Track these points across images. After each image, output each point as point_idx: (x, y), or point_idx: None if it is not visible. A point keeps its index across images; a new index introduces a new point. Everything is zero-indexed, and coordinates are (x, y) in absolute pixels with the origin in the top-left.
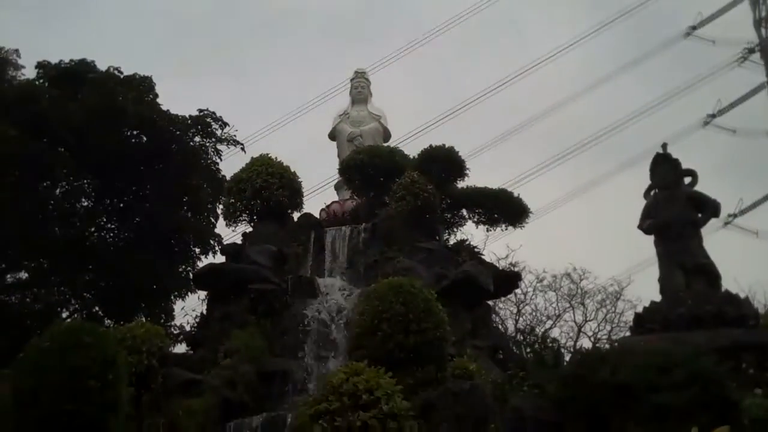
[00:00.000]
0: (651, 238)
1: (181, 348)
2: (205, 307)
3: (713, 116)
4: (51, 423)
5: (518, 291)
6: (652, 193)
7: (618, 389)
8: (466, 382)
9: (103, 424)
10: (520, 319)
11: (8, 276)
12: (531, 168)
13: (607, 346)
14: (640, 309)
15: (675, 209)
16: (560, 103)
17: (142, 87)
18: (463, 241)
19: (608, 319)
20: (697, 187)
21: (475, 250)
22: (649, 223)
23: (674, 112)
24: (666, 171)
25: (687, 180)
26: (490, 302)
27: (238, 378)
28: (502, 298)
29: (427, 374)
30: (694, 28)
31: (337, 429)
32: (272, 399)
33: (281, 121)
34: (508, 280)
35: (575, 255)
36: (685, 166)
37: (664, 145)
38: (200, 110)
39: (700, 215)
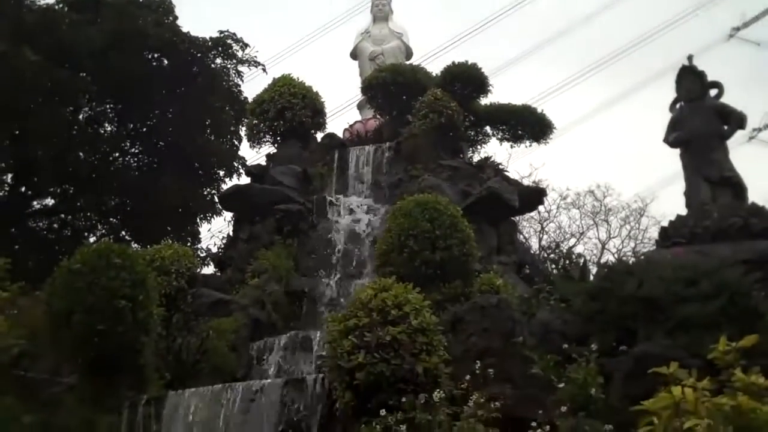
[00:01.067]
0: (676, 152)
1: (208, 269)
2: (231, 228)
3: (737, 29)
4: (84, 343)
5: (542, 209)
6: (677, 106)
7: (645, 302)
8: (494, 296)
9: (135, 343)
10: (544, 237)
11: (35, 202)
12: (555, 84)
13: (633, 260)
14: (664, 224)
15: (701, 121)
16: (584, 17)
17: (161, 9)
18: (487, 159)
19: (632, 235)
20: (723, 100)
21: (500, 167)
22: (674, 136)
23: (699, 26)
24: (691, 83)
25: (713, 92)
26: (515, 219)
27: (266, 297)
28: (526, 217)
29: (454, 290)
30: None
31: (367, 344)
32: (300, 318)
33: (302, 41)
34: (532, 196)
35: (598, 172)
36: (710, 79)
37: (690, 58)
38: (221, 32)
39: (725, 127)
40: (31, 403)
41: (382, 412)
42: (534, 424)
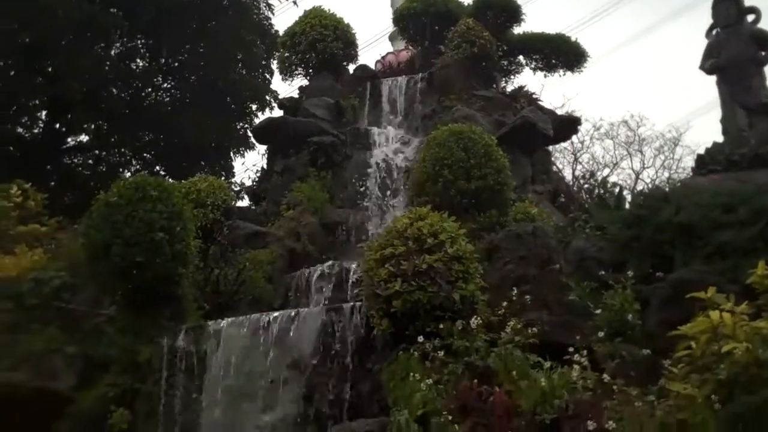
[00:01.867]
0: (712, 80)
1: (243, 203)
2: (265, 161)
3: None
4: (123, 274)
5: (575, 140)
6: (713, 32)
7: (681, 228)
8: (530, 224)
9: (173, 274)
10: (578, 167)
11: (69, 139)
12: (589, 13)
13: (669, 187)
14: (700, 152)
15: (737, 48)
16: None
17: None
18: (520, 88)
19: (666, 165)
20: (760, 26)
21: (533, 96)
22: (710, 62)
23: None
24: (727, 9)
25: (750, 18)
26: (549, 149)
27: (301, 229)
28: (559, 148)
29: (489, 219)
30: None
31: (403, 272)
32: (335, 249)
33: None
34: (567, 125)
35: (632, 102)
36: (747, 3)
37: None
38: None
39: (763, 53)
40: (73, 334)
41: (420, 338)
42: (571, 349)
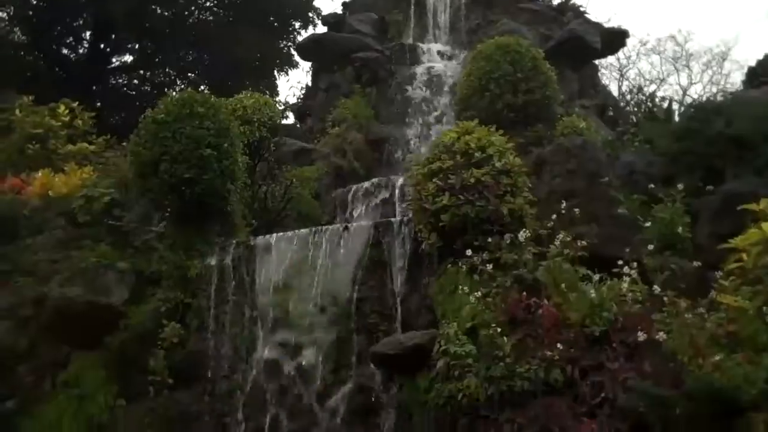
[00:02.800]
0: None
1: (288, 121)
2: (309, 78)
3: None
4: (172, 191)
5: (621, 55)
6: None
7: (733, 141)
8: (578, 137)
9: (222, 190)
10: (624, 84)
11: (114, 59)
12: None
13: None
14: (751, 65)
15: None
16: None
17: None
18: (567, 1)
19: (714, 81)
20: None
21: (580, 9)
22: None
23: None
24: None
25: None
26: (596, 63)
27: (347, 146)
28: (605, 64)
29: (536, 133)
30: None
31: (451, 186)
32: (381, 165)
33: None
34: (614, 38)
35: (679, 17)
36: None
37: None
38: None
39: None
40: (124, 250)
41: (468, 252)
42: (620, 262)
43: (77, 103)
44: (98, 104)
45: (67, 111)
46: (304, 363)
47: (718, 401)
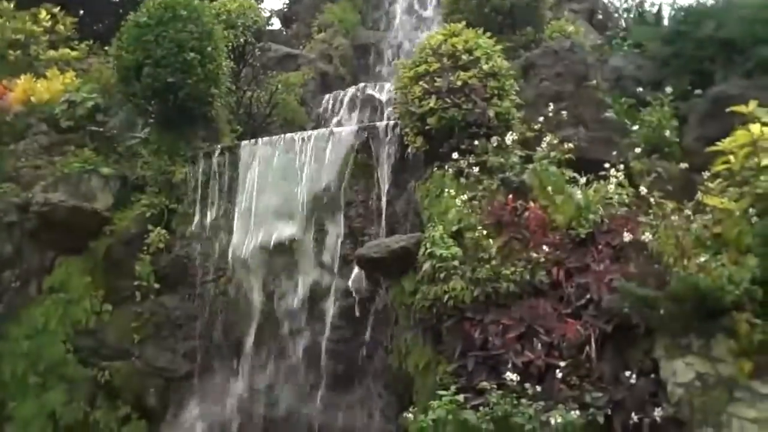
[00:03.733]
0: None
1: (274, 26)
2: None
3: None
4: (155, 95)
5: None
6: None
7: (723, 43)
8: (567, 40)
9: (205, 95)
10: None
11: None
12: None
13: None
14: None
15: None
16: None
17: None
18: None
19: None
20: None
21: None
22: None
23: None
24: None
25: None
26: None
27: (333, 51)
28: None
29: (525, 37)
30: None
31: (438, 89)
32: (368, 71)
33: None
34: None
35: None
36: None
37: None
38: None
39: None
40: (108, 155)
41: (455, 155)
42: (607, 165)
43: (59, 8)
44: (80, 11)
45: (48, 16)
46: (289, 264)
47: (703, 301)
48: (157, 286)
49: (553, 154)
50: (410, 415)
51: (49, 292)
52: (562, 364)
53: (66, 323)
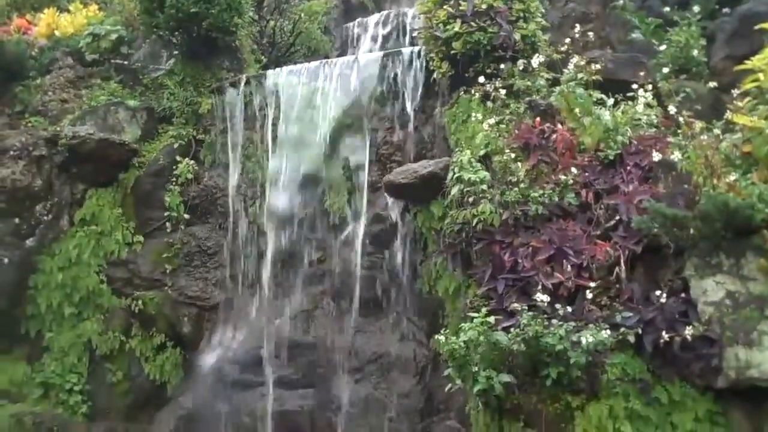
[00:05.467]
0: None
1: None
2: None
3: None
4: (179, 26)
5: None
6: None
7: None
8: None
9: (229, 24)
10: None
11: None
12: None
13: None
14: None
15: None
16: None
17: None
18: None
19: None
20: None
21: None
22: None
23: None
24: None
25: None
26: None
27: None
28: None
29: None
30: None
31: (462, 13)
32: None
33: None
34: None
35: None
36: None
37: None
38: None
39: None
40: (134, 87)
41: (481, 80)
42: (635, 86)
43: None
44: None
45: None
46: (317, 191)
47: (732, 220)
48: (187, 216)
49: (580, 75)
50: (442, 338)
51: (81, 225)
52: (592, 285)
53: (99, 255)
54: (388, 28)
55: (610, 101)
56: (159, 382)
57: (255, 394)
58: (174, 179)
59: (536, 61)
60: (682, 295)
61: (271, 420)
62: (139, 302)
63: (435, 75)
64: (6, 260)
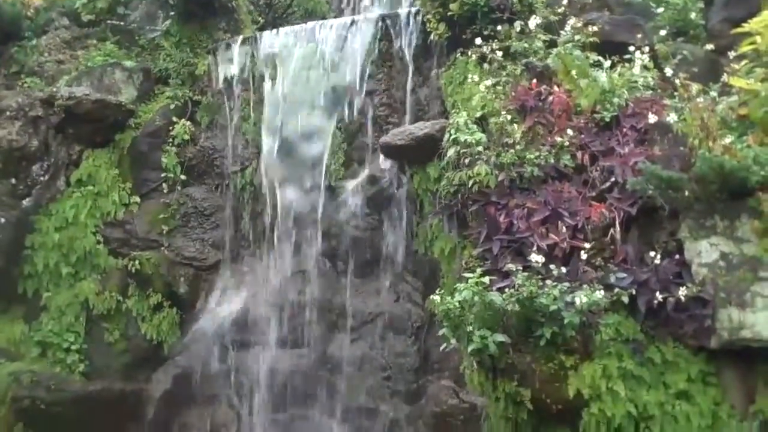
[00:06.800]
0: None
1: None
2: None
3: None
4: None
5: None
6: None
7: None
8: None
9: None
10: None
11: None
12: None
13: None
14: None
15: None
16: None
17: None
18: None
19: None
20: None
21: None
22: None
23: None
24: None
25: None
26: None
27: None
28: None
29: None
30: None
31: None
32: None
33: None
34: None
35: None
36: None
37: None
38: None
39: None
40: (130, 48)
41: (478, 41)
42: (632, 48)
43: None
44: None
45: None
46: (314, 153)
47: (728, 182)
48: (183, 177)
49: (577, 37)
50: (437, 298)
51: (78, 186)
52: (587, 246)
53: (95, 215)
54: None
55: (607, 63)
56: (156, 342)
57: (251, 353)
58: (170, 140)
59: (533, 22)
60: (677, 256)
61: (268, 379)
62: (136, 262)
63: (432, 36)
64: (2, 220)
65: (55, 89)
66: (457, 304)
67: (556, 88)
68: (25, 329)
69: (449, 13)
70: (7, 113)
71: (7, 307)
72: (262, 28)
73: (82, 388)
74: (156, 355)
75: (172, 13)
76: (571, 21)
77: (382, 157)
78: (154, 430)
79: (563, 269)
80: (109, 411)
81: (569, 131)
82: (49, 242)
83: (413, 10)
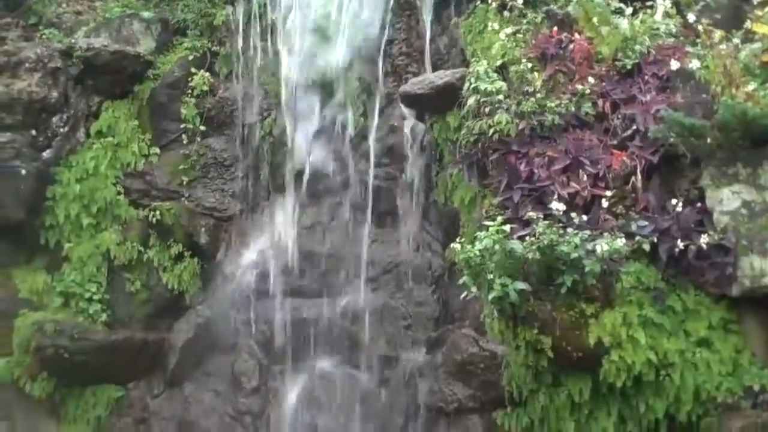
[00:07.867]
0: None
1: None
2: None
3: None
4: None
5: None
6: None
7: None
8: None
9: None
10: None
11: None
12: None
13: None
14: None
15: None
16: None
17: None
18: None
19: None
20: None
21: None
22: None
23: None
24: None
25: None
26: None
27: None
28: None
29: None
30: None
31: None
32: None
33: None
34: None
35: None
36: None
37: None
38: None
39: None
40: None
41: None
42: None
43: None
44: None
45: None
46: (332, 103)
47: (750, 129)
48: (203, 128)
49: None
50: (458, 246)
51: (97, 137)
52: (608, 194)
53: (115, 166)
54: None
55: (629, 10)
56: (177, 292)
57: (272, 303)
58: (189, 91)
59: None
60: (698, 204)
61: (288, 328)
62: (157, 213)
63: None
64: (24, 171)
65: (73, 40)
66: (477, 252)
67: (577, 35)
68: (47, 279)
69: None
70: (26, 65)
71: (30, 258)
72: None
73: (104, 338)
74: (177, 305)
75: None
76: None
77: (401, 106)
78: (177, 379)
79: (584, 217)
80: (131, 360)
81: (590, 79)
82: (70, 193)
83: None
